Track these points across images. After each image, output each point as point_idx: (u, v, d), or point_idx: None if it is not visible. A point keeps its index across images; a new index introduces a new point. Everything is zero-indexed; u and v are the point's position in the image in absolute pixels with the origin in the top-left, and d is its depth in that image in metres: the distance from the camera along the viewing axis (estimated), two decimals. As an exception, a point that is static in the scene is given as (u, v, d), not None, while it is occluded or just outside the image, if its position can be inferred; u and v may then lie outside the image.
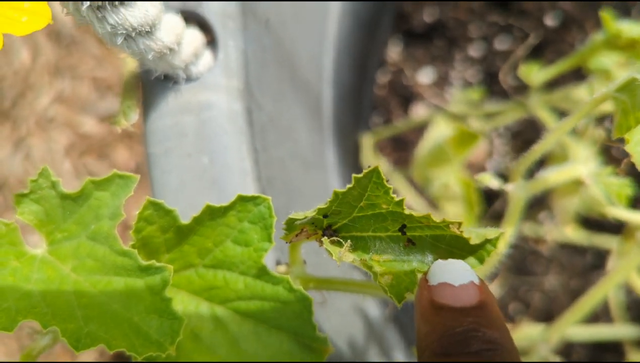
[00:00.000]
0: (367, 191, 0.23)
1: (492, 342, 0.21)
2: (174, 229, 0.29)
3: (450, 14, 0.92)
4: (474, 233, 0.24)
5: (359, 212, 0.25)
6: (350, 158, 0.76)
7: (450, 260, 0.24)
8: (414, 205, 0.71)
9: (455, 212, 0.55)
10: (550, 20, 0.88)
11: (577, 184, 0.53)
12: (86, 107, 1.36)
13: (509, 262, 0.94)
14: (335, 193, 0.24)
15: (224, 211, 0.28)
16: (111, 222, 0.28)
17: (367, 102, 0.88)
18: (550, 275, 0.94)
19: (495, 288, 0.93)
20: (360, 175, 0.23)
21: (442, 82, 0.92)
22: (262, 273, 0.29)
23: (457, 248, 0.25)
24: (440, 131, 0.56)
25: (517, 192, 0.35)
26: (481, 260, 0.26)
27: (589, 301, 0.42)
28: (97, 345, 0.25)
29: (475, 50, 0.91)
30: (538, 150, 0.34)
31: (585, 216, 0.91)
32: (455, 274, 0.23)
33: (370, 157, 0.72)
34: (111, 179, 0.28)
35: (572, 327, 0.82)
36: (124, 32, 0.26)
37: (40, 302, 0.27)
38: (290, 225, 0.26)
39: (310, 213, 0.25)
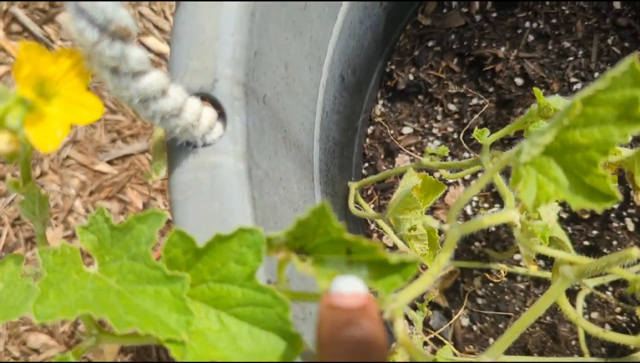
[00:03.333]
0: (321, 222, 0.35)
1: (365, 328, 0.33)
2: (192, 252, 0.40)
3: (431, 73, 1.04)
4: (394, 257, 0.36)
5: (319, 238, 0.37)
6: (340, 202, 0.88)
7: (346, 277, 0.35)
8: (397, 244, 0.82)
9: (422, 249, 0.66)
10: (519, 80, 1.01)
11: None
12: (98, 150, 1.49)
13: (487, 298, 1.04)
14: (298, 220, 0.35)
15: (228, 238, 0.39)
16: (147, 245, 0.39)
17: (357, 152, 1.00)
18: (527, 310, 1.03)
19: (467, 321, 1.02)
20: (314, 209, 0.34)
21: (423, 134, 1.03)
22: (255, 285, 0.40)
23: (386, 267, 0.36)
24: (410, 181, 0.68)
25: (451, 231, 0.45)
26: (404, 278, 0.37)
27: (519, 326, 0.52)
28: (133, 328, 0.36)
29: (453, 105, 1.04)
30: (464, 197, 0.45)
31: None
32: (347, 286, 0.35)
33: (354, 203, 0.84)
34: (149, 214, 0.40)
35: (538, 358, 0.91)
36: (161, 115, 0.38)
37: (92, 301, 0.38)
38: (270, 242, 0.37)
39: (281, 234, 0.36)
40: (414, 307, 0.81)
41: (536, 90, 0.56)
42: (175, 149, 0.45)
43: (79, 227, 0.41)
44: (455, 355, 0.79)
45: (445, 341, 0.99)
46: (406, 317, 0.83)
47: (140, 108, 0.37)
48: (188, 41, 0.45)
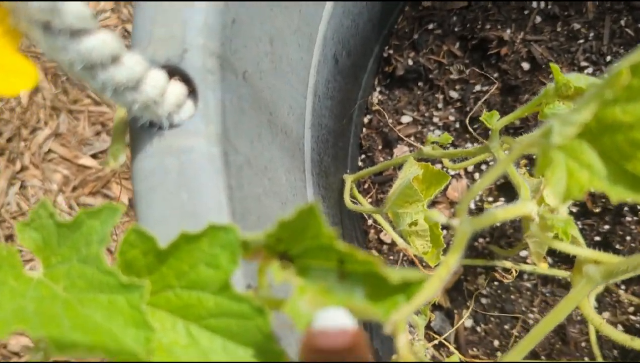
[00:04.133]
0: (309, 224, 0.28)
1: None
2: (154, 253, 0.33)
3: (432, 57, 0.98)
4: (395, 275, 0.29)
5: (308, 243, 0.30)
6: (334, 196, 0.81)
7: (330, 310, 0.29)
8: (396, 241, 0.75)
9: (424, 246, 0.59)
10: (526, 64, 0.94)
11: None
12: (81, 144, 1.42)
13: (491, 298, 0.97)
14: (280, 222, 0.28)
15: (197, 238, 0.33)
16: (99, 245, 0.32)
17: (353, 143, 0.93)
18: (534, 310, 0.97)
19: (470, 321, 0.96)
20: (301, 209, 0.28)
21: (423, 123, 0.97)
22: (230, 292, 0.33)
23: (385, 285, 0.30)
24: (411, 171, 0.61)
25: (461, 226, 0.39)
26: (408, 297, 0.30)
27: (536, 335, 0.46)
28: (78, 350, 0.29)
29: (455, 92, 0.97)
30: (478, 186, 0.39)
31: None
32: (332, 322, 0.28)
33: (350, 197, 0.77)
34: (101, 209, 0.33)
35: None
36: (113, 87, 0.31)
37: (32, 314, 0.31)
38: (246, 245, 0.30)
39: (260, 236, 0.29)
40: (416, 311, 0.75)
41: (553, 66, 0.50)
42: (138, 130, 0.38)
43: (19, 223, 0.34)
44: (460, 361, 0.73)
45: (448, 344, 0.92)
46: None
47: (87, 77, 0.30)
48: (153, 5, 0.39)
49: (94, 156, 1.42)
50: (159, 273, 0.34)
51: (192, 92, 0.39)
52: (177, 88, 0.37)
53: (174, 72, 0.39)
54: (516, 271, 0.81)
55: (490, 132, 0.57)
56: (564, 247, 0.46)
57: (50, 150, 1.42)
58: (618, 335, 0.48)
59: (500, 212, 0.43)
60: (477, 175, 0.97)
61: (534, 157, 0.94)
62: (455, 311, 0.97)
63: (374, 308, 0.29)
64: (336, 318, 0.29)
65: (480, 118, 0.56)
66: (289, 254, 0.31)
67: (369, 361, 0.29)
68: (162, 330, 0.34)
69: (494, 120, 0.56)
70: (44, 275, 0.34)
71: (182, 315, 0.35)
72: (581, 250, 0.45)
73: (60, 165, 1.42)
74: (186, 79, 0.39)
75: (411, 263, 0.87)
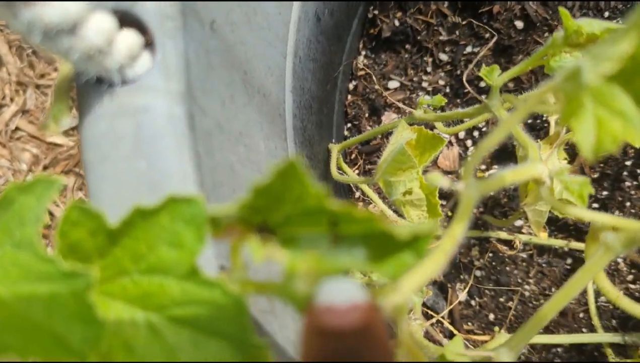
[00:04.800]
0: (291, 186, 0.23)
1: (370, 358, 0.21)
2: (104, 233, 0.27)
3: (420, 18, 0.92)
4: (403, 229, 0.23)
5: (289, 209, 0.24)
6: (320, 167, 0.75)
7: (337, 282, 0.23)
8: (386, 213, 0.70)
9: (419, 216, 0.54)
10: (520, 22, 0.88)
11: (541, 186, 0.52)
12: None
13: (486, 270, 0.93)
14: (255, 188, 0.23)
15: (155, 212, 0.27)
16: (34, 226, 0.27)
17: (338, 110, 0.87)
18: (530, 282, 0.93)
19: (464, 296, 0.92)
20: (278, 168, 0.22)
21: (412, 88, 0.91)
22: (198, 277, 0.28)
23: (390, 243, 0.24)
24: (403, 136, 0.55)
25: (467, 191, 0.34)
26: (418, 254, 0.25)
27: (551, 308, 0.41)
28: (9, 353, 0.24)
29: (445, 55, 0.91)
30: (485, 146, 0.33)
31: (563, 219, 0.91)
32: (340, 295, 0.22)
33: (336, 167, 0.71)
34: (35, 183, 0.27)
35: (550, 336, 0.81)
36: (42, 29, 0.25)
37: (-43, 313, 0.26)
38: (215, 222, 0.25)
39: (232, 208, 0.24)
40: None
41: (562, 11, 0.44)
42: (84, 88, 0.32)
43: (-63, 202, 0.28)
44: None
45: (442, 320, 0.88)
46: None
47: (8, 16, 0.24)
48: (97, -63, 0.32)
49: (64, 133, 1.35)
50: (112, 256, 0.28)
51: (150, 45, 0.33)
52: (129, 37, 0.31)
53: (126, 18, 0.33)
54: (520, 242, 0.76)
55: (490, 90, 0.52)
56: (579, 212, 0.41)
57: (17, 128, 1.34)
58: (635, 308, 0.44)
59: (509, 174, 0.38)
60: (469, 142, 0.92)
61: (529, 121, 0.89)
62: (449, 285, 0.93)
63: (378, 269, 0.24)
64: (345, 291, 0.23)
65: (479, 74, 0.51)
66: (269, 225, 0.26)
67: (387, 346, 0.23)
68: (119, 324, 0.29)
69: (495, 76, 0.51)
70: (-28, 264, 0.28)
71: (142, 305, 0.29)
72: (599, 216, 0.40)
73: (29, 143, 1.35)
74: (142, 28, 0.33)
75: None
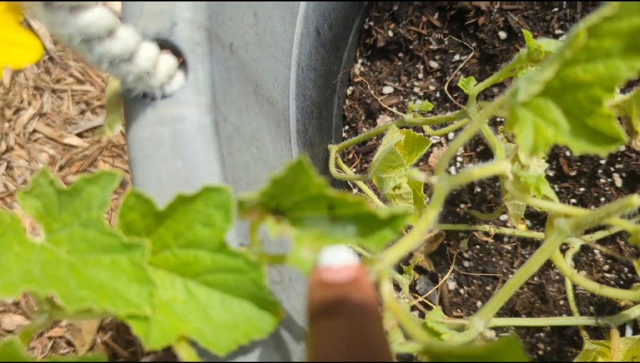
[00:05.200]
0: (299, 178, 0.30)
1: (360, 303, 0.29)
2: (152, 215, 0.35)
3: (412, 29, 0.99)
4: (383, 210, 0.31)
5: (297, 196, 0.32)
6: (320, 166, 0.83)
7: (333, 248, 0.31)
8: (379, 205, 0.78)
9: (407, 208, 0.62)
10: (503, 33, 0.96)
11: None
12: (66, 123, 1.42)
13: (474, 261, 1.01)
14: (273, 179, 0.31)
15: (193, 199, 0.35)
16: (100, 210, 0.35)
17: (337, 114, 0.95)
18: (514, 271, 1.01)
19: (453, 284, 1.00)
20: (290, 164, 0.30)
21: (405, 93, 0.99)
22: (225, 249, 0.36)
23: (374, 221, 0.32)
24: (393, 138, 0.63)
25: (439, 183, 0.42)
26: (395, 231, 0.33)
27: (512, 284, 0.49)
28: (87, 304, 0.32)
29: (435, 62, 0.99)
30: (454, 146, 0.41)
31: (543, 214, 0.99)
32: (335, 258, 0.31)
33: (335, 166, 0.79)
34: (99, 175, 0.35)
35: (533, 319, 0.89)
36: (109, 59, 0.33)
37: (39, 276, 0.34)
38: (241, 205, 0.33)
39: (255, 194, 0.32)
40: (400, 271, 0.78)
41: (526, 33, 0.52)
42: (131, 101, 0.40)
43: (20, 192, 0.36)
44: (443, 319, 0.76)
45: (432, 305, 0.96)
46: (393, 282, 0.80)
47: (84, 50, 0.32)
48: (141, -20, 0.40)
49: (79, 135, 1.43)
50: (157, 234, 0.36)
51: (183, 64, 0.41)
52: (168, 60, 0.39)
53: (164, 44, 0.41)
54: (494, 230, 0.84)
55: (468, 98, 0.59)
56: (537, 202, 0.49)
57: (35, 130, 1.42)
58: (588, 283, 0.51)
59: (477, 170, 0.46)
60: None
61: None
62: (440, 275, 1.01)
63: (365, 242, 0.32)
64: (339, 255, 0.31)
65: (458, 84, 0.59)
66: (281, 209, 0.34)
67: (373, 294, 0.31)
68: (162, 288, 0.37)
69: (471, 86, 0.58)
70: (46, 240, 0.36)
71: (181, 272, 0.37)
72: (552, 205, 0.48)
73: (45, 144, 1.42)
74: (176, 52, 0.41)
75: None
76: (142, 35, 0.38)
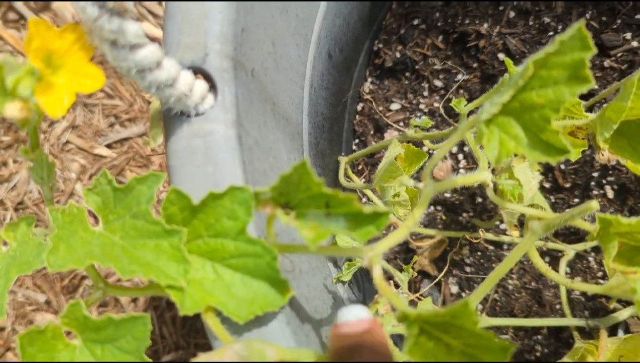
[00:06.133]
0: (302, 177, 0.39)
1: (372, 345, 0.38)
2: (188, 209, 0.44)
3: (417, 50, 1.08)
4: (368, 208, 0.40)
5: (302, 194, 0.41)
6: (331, 176, 0.92)
7: (350, 307, 0.40)
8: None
9: (405, 214, 0.70)
10: (502, 55, 1.04)
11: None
12: (96, 135, 1.53)
13: (475, 267, 1.08)
14: (281, 176, 0.39)
15: (221, 196, 0.43)
16: (147, 204, 0.43)
17: (348, 128, 1.04)
18: (513, 277, 1.08)
19: (456, 288, 1.07)
20: (295, 165, 0.38)
21: (411, 110, 1.07)
22: (246, 238, 0.44)
23: (361, 218, 0.40)
24: (394, 151, 0.72)
25: (426, 188, 0.50)
26: (378, 227, 0.41)
27: (495, 275, 0.56)
28: (136, 275, 0.40)
29: (439, 81, 1.07)
30: (438, 155, 0.49)
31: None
32: (352, 315, 0.39)
33: (344, 175, 0.88)
34: (148, 176, 0.44)
35: (530, 320, 0.96)
36: (157, 85, 0.42)
37: (99, 254, 0.42)
38: (257, 197, 0.41)
39: (267, 189, 0.40)
40: (400, 270, 0.86)
41: (507, 60, 0.60)
42: (171, 118, 0.49)
43: (85, 189, 0.45)
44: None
45: (435, 306, 1.03)
46: (394, 281, 0.88)
47: (138, 78, 0.41)
48: (180, 19, 0.49)
49: (108, 146, 1.53)
50: (192, 225, 0.45)
51: (212, 87, 0.50)
52: (201, 84, 0.48)
53: (197, 71, 0.50)
54: (483, 234, 0.91)
55: (460, 115, 0.68)
56: (514, 207, 0.56)
57: (67, 141, 1.53)
58: (560, 278, 0.59)
59: (460, 179, 0.54)
60: (460, 156, 1.08)
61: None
62: (442, 279, 1.08)
63: (353, 235, 0.40)
64: (354, 312, 0.40)
65: (451, 104, 0.67)
66: (289, 205, 0.42)
67: (385, 343, 0.39)
68: (194, 269, 0.45)
69: (462, 106, 0.67)
70: (103, 229, 0.45)
71: (209, 257, 0.46)
72: (527, 209, 0.56)
73: (77, 155, 1.53)
74: (207, 77, 0.50)
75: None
76: (179, 64, 0.47)
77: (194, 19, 0.49)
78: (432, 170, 0.50)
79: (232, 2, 0.50)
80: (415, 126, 0.81)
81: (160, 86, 0.42)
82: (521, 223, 1.05)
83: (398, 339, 0.84)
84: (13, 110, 0.35)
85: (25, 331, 0.42)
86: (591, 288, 0.58)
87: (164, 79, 0.42)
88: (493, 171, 0.65)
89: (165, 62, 0.42)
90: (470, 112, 0.68)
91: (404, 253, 1.11)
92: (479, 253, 1.08)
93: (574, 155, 0.56)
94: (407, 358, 0.36)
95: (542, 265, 0.59)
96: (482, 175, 0.56)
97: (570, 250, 1.01)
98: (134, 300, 1.35)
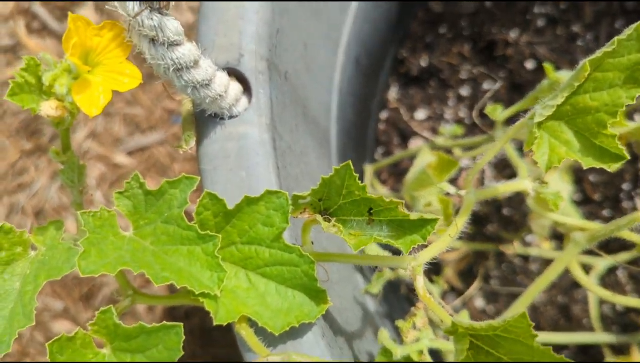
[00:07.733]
0: (345, 181, 0.37)
1: None
2: (222, 214, 0.42)
3: (443, 59, 1.06)
4: (415, 215, 0.38)
5: (342, 200, 0.39)
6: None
7: None
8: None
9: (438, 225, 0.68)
10: (530, 64, 1.02)
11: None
12: (116, 142, 1.53)
13: (501, 280, 1.06)
14: (323, 179, 0.37)
15: (256, 201, 0.42)
16: (180, 208, 0.42)
17: (371, 136, 1.02)
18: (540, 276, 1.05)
19: (481, 302, 1.05)
20: (337, 168, 0.37)
21: (436, 119, 1.05)
22: (282, 245, 0.42)
23: (406, 225, 0.38)
24: (425, 159, 0.70)
25: (468, 196, 0.48)
26: (424, 237, 0.39)
27: (535, 289, 0.54)
28: (169, 282, 0.38)
29: (465, 90, 1.05)
30: (480, 164, 0.47)
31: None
32: None
33: (371, 184, 0.86)
34: (180, 179, 0.42)
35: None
36: (193, 85, 0.41)
37: (129, 260, 0.40)
38: (295, 202, 0.39)
39: (307, 193, 0.38)
40: (431, 280, 0.84)
41: (546, 66, 0.58)
42: (204, 120, 0.47)
43: (116, 192, 0.43)
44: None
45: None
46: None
47: (174, 77, 0.39)
48: (215, 19, 0.48)
49: (128, 153, 1.52)
50: (225, 231, 0.43)
51: (246, 90, 0.49)
52: (235, 85, 0.47)
53: (231, 72, 0.48)
54: (517, 247, 0.89)
55: (495, 123, 0.66)
56: (554, 216, 0.54)
57: (88, 149, 1.52)
58: (601, 291, 0.57)
59: (501, 186, 0.52)
60: (486, 165, 1.06)
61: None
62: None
63: (396, 244, 0.38)
64: None
65: (485, 111, 0.65)
66: (328, 211, 0.40)
67: None
68: (227, 277, 0.43)
69: (498, 113, 0.65)
70: (134, 234, 0.43)
71: (243, 265, 0.44)
72: (569, 219, 0.54)
73: (97, 162, 1.52)
74: (241, 78, 0.48)
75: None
76: (215, 64, 0.45)
77: (228, 20, 0.48)
78: (474, 176, 0.48)
79: (267, 2, 0.49)
80: (445, 134, 0.79)
81: (196, 86, 0.41)
82: (552, 235, 1.03)
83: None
84: (49, 108, 0.34)
85: (55, 338, 0.40)
86: (634, 302, 0.56)
87: (201, 79, 0.41)
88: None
89: (202, 61, 0.41)
90: (507, 120, 0.66)
91: (425, 265, 1.09)
92: (505, 266, 1.06)
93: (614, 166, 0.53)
94: (456, 374, 0.34)
95: (582, 277, 0.57)
96: (522, 183, 0.54)
97: (600, 264, 0.97)
98: (151, 309, 1.33)
